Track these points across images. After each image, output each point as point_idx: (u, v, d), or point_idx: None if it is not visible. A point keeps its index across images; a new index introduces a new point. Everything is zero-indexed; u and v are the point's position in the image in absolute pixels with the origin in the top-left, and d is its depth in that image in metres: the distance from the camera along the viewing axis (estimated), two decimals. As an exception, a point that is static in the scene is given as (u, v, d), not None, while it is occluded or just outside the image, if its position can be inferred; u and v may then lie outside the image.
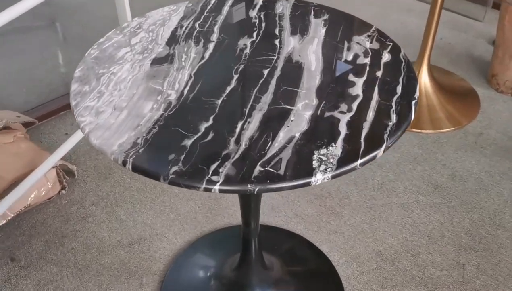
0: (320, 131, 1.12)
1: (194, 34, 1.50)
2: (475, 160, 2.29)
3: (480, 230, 1.95)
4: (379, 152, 1.07)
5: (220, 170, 1.01)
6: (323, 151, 1.06)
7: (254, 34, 1.50)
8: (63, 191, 2.15)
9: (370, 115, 1.16)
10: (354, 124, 1.13)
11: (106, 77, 1.31)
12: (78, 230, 2.04)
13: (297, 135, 1.10)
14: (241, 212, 1.59)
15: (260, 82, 1.28)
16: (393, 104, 1.20)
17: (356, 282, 1.84)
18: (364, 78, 1.29)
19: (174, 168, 1.01)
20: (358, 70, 1.33)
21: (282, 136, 1.10)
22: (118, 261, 1.91)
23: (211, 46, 1.45)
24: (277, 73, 1.32)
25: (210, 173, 1.00)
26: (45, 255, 1.94)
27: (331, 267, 1.88)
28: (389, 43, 1.45)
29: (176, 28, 1.52)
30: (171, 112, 1.18)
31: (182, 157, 1.04)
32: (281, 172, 1.01)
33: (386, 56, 1.39)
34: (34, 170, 1.93)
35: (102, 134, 1.11)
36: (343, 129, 1.12)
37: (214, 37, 1.49)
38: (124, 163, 1.04)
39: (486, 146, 2.34)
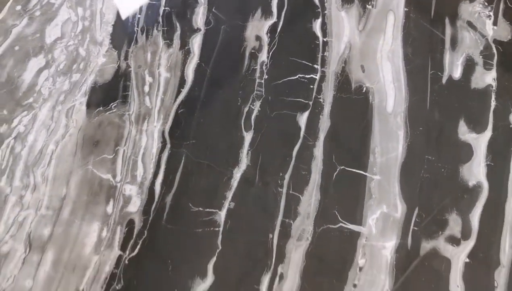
0: (415, 299, 0.60)
1: (161, 13, 0.80)
2: None
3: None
4: None
5: None
6: None
7: (274, 3, 0.80)
8: None
9: (506, 247, 0.62)
10: (478, 277, 0.61)
11: (7, 148, 0.71)
12: None
13: (374, 313, 0.59)
14: None
15: (294, 153, 0.69)
16: (547, 211, 0.64)
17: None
18: (489, 133, 0.69)
19: None
20: (475, 110, 0.71)
21: (345, 318, 0.59)
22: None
23: (195, 45, 0.77)
24: (324, 123, 0.70)
25: None
26: None
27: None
28: (528, 22, 0.77)
29: (126, -8, 0.81)
30: (136, 251, 0.64)
31: None
32: None
33: (525, 63, 0.74)
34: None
35: (12, 327, 0.60)
36: (458, 293, 0.60)
37: (200, 17, 0.80)
38: None
39: None
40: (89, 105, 0.73)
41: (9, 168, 0.69)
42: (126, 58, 0.76)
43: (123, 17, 0.80)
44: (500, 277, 0.60)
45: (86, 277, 0.62)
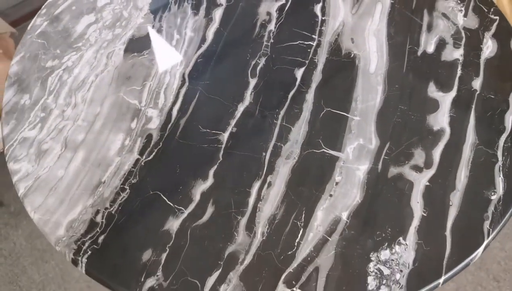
0: (381, 209, 0.71)
1: (192, -10, 0.99)
2: None
3: None
4: (476, 255, 0.68)
5: (222, 289, 0.64)
6: (384, 254, 0.67)
7: (284, -9, 0.98)
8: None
9: (461, 177, 0.73)
10: (435, 197, 0.71)
11: (56, 76, 0.87)
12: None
13: (344, 217, 0.70)
14: None
15: (289, 95, 0.83)
16: (499, 154, 0.75)
17: None
18: (454, 93, 0.82)
19: (150, 282, 0.65)
20: (443, 76, 0.85)
21: (320, 218, 0.70)
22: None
23: (217, 15, 0.95)
24: (317, 77, 0.85)
25: (205, 296, 0.64)
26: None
27: None
28: (494, 17, 0.93)
29: (165, -24, 1.01)
30: (151, 157, 0.77)
31: (164, 256, 0.67)
32: (317, 300, 0.64)
33: (489, 46, 0.88)
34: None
35: (43, 202, 0.72)
36: (417, 207, 0.70)
37: (223, -4, 0.98)
38: (74, 262, 0.68)
39: None
40: (126, 51, 0.90)
41: (56, 90, 0.85)
42: (160, 20, 0.94)
43: (161, -10, 0.99)
44: (455, 198, 0.71)
45: (108, 172, 0.75)
